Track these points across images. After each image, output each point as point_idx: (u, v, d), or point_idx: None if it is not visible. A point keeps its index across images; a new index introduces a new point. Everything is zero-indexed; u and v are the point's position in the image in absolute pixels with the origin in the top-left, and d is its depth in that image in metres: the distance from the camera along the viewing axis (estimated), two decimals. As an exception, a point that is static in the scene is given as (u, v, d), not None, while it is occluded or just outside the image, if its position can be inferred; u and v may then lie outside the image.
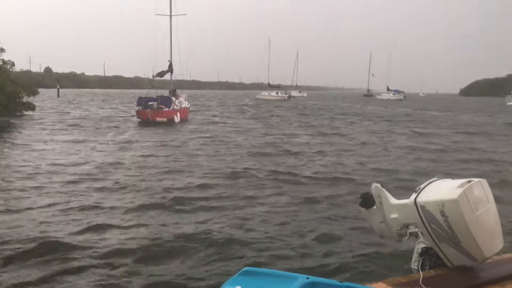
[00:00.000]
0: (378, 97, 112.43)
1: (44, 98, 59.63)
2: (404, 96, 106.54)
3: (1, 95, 27.77)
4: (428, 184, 2.75)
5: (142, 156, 15.97)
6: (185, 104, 35.35)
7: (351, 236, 7.69)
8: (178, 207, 9.20)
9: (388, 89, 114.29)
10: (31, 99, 35.03)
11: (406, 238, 2.86)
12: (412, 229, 2.80)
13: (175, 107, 31.82)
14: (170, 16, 36.99)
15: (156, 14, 37.56)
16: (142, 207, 9.15)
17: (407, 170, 13.57)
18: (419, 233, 2.76)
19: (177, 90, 35.93)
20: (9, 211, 8.66)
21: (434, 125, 32.95)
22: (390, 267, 6.04)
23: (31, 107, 34.17)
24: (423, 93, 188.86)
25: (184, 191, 10.63)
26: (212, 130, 25.82)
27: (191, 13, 39.11)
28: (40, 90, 40.94)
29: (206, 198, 9.98)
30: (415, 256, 2.79)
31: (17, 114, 31.81)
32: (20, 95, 32.53)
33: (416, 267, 2.73)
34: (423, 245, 2.75)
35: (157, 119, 29.67)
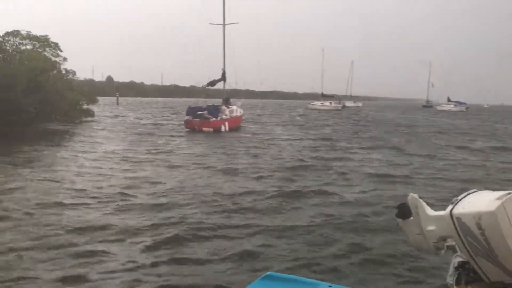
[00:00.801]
0: (438, 108, 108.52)
1: (104, 105, 62.52)
2: (466, 108, 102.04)
3: (62, 102, 29.17)
4: (465, 196, 2.56)
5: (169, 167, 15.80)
6: (238, 113, 35.40)
7: (384, 248, 7.45)
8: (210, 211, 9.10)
9: (448, 100, 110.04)
10: (90, 106, 36.59)
11: (443, 251, 2.67)
12: (450, 242, 2.62)
13: (224, 116, 32.03)
14: (224, 25, 37.68)
15: (210, 24, 38.42)
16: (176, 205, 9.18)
17: None
18: (456, 247, 2.57)
19: (232, 98, 36.45)
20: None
21: None
22: (425, 281, 5.93)
23: (91, 114, 35.77)
24: (487, 105, 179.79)
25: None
26: (254, 141, 25.18)
27: (244, 22, 39.64)
28: (101, 98, 43.12)
29: (239, 206, 9.85)
30: (451, 270, 2.62)
31: (77, 121, 33.39)
32: (80, 103, 34.06)
33: (451, 282, 2.57)
34: (460, 259, 2.59)
35: (204, 129, 30.07)
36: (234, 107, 35.25)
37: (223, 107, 33.86)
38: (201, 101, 35.11)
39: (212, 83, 37.14)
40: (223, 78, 37.16)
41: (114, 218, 8.89)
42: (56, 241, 7.40)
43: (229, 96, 37.02)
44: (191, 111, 32.32)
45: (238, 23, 38.78)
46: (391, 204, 10.17)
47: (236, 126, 33.44)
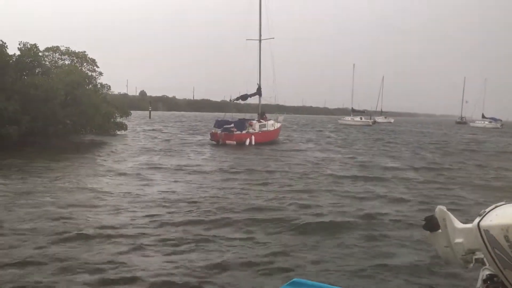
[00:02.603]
0: (472, 124, 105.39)
1: (138, 119, 63.90)
2: (502, 124, 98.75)
3: (97, 116, 30.07)
4: (494, 208, 2.46)
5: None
6: (272, 127, 35.39)
7: (411, 259, 7.52)
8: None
9: (483, 117, 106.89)
10: (123, 119, 37.41)
11: (471, 264, 2.61)
12: (478, 255, 2.58)
13: (250, 130, 32.25)
14: (260, 40, 38.25)
15: (247, 39, 39.13)
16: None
17: None
18: (485, 259, 2.52)
19: (275, 114, 36.68)
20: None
21: None
22: None
23: (124, 127, 36.54)
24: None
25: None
26: (274, 156, 24.54)
27: (276, 37, 40.03)
28: (134, 111, 43.94)
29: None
30: (479, 283, 2.56)
31: (111, 133, 34.26)
32: (114, 116, 34.96)
33: None
34: (488, 272, 2.53)
35: (227, 141, 30.28)
36: (269, 122, 35.36)
37: (254, 121, 34.11)
38: (228, 115, 35.24)
39: (244, 97, 37.39)
40: (259, 92, 37.52)
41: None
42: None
43: (264, 111, 37.28)
44: (219, 124, 32.83)
45: (273, 38, 39.19)
46: None
47: (269, 140, 33.26)
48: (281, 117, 39.84)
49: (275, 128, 36.14)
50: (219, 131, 31.64)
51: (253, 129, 32.69)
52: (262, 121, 34.94)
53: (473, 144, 39.99)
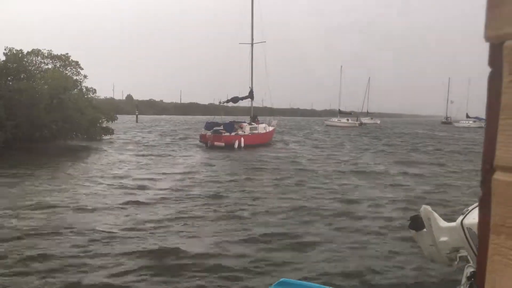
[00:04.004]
0: (456, 124, 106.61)
1: (124, 123, 63.34)
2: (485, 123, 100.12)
3: (83, 120, 29.75)
4: (476, 206, 2.54)
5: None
6: (264, 130, 35.39)
7: (397, 257, 7.65)
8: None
9: (467, 116, 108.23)
10: (110, 124, 37.04)
11: (456, 262, 2.80)
12: (462, 253, 2.72)
13: (240, 132, 32.33)
14: (252, 44, 38.35)
15: (239, 43, 39.50)
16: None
17: None
18: (468, 257, 2.67)
19: (269, 117, 36.86)
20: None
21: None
22: None
23: (110, 131, 36.19)
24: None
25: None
26: (256, 161, 23.67)
27: (265, 39, 40.31)
28: (120, 116, 43.51)
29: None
30: (463, 280, 2.67)
31: (97, 138, 33.91)
32: (100, 120, 34.63)
33: None
34: (472, 269, 2.62)
35: (215, 143, 30.28)
36: (261, 125, 35.41)
37: (245, 123, 34.16)
38: (218, 118, 35.31)
39: (235, 99, 37.42)
40: (251, 95, 37.65)
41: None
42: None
43: (256, 114, 37.36)
44: (209, 126, 32.91)
45: (265, 42, 39.39)
46: None
47: (260, 143, 33.17)
48: (274, 121, 39.98)
49: (267, 131, 36.14)
50: (208, 133, 31.67)
51: (243, 131, 32.75)
52: (253, 123, 34.93)
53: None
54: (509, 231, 0.60)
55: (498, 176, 0.61)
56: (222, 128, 32.09)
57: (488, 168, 0.63)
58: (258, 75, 49.56)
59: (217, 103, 40.41)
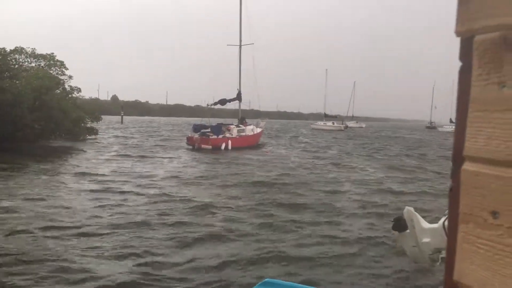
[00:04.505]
0: (440, 129, 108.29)
1: (109, 124, 62.82)
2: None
3: (66, 120, 29.42)
4: None
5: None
6: (252, 132, 35.39)
7: (379, 257, 7.75)
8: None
9: (451, 121, 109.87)
10: (94, 124, 36.69)
11: (438, 263, 2.83)
12: (444, 253, 2.64)
13: (227, 135, 32.29)
14: (240, 46, 38.45)
15: (227, 45, 39.58)
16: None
17: None
18: None
19: (257, 119, 36.93)
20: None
21: None
22: None
23: (94, 132, 35.89)
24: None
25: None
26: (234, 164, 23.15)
27: (252, 42, 40.69)
28: (106, 116, 43.13)
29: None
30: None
31: (81, 138, 33.57)
32: (84, 121, 34.28)
33: None
34: None
35: (203, 146, 30.22)
36: (249, 127, 35.40)
37: (232, 125, 34.14)
38: (206, 120, 35.33)
39: (223, 101, 37.33)
40: (239, 97, 37.65)
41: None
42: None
43: (244, 116, 37.40)
44: (196, 128, 32.82)
45: (253, 43, 39.59)
46: None
47: (248, 145, 33.01)
48: (262, 123, 40.09)
49: (255, 133, 36.12)
50: (196, 135, 31.61)
51: (230, 134, 32.71)
52: (241, 126, 34.94)
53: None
54: (477, 219, 0.62)
55: (466, 166, 0.64)
56: (209, 130, 32.07)
57: (458, 160, 0.65)
58: (245, 77, 49.77)
59: (204, 105, 40.50)
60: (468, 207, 0.63)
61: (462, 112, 0.65)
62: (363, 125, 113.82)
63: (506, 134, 0.58)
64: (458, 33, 0.64)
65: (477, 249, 0.61)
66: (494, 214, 0.59)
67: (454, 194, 0.66)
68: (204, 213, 11.04)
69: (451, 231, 0.66)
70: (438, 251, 2.81)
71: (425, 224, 2.94)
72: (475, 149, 0.62)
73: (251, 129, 35.56)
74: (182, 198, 12.85)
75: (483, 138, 0.61)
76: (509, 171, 0.58)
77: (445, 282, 0.68)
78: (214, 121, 35.34)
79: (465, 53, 0.65)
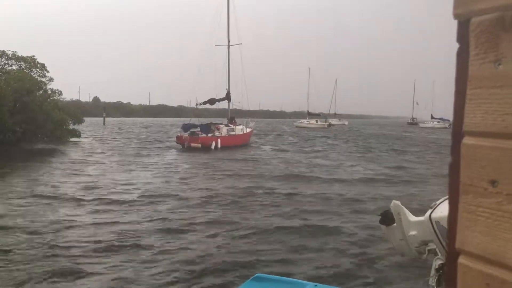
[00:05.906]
0: (421, 125, 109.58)
1: (91, 126, 62.05)
2: (450, 124, 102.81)
3: (48, 122, 29.02)
4: (444, 200, 2.66)
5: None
6: (241, 131, 35.66)
7: (368, 250, 7.88)
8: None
9: (432, 117, 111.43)
10: (77, 126, 36.24)
11: (424, 255, 2.86)
12: (431, 246, 2.78)
13: (216, 134, 32.51)
14: (228, 46, 38.47)
15: (216, 45, 39.87)
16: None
17: None
18: (437, 250, 2.74)
19: (246, 119, 37.61)
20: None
21: None
22: (407, 283, 6.19)
23: (77, 134, 35.42)
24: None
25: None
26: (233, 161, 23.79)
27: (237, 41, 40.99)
28: (88, 118, 42.61)
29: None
30: (432, 272, 2.74)
31: (63, 140, 33.10)
32: (67, 123, 33.85)
33: (433, 284, 2.67)
34: (440, 262, 2.70)
35: (192, 144, 30.38)
36: (239, 127, 35.69)
37: (221, 125, 34.36)
38: (194, 119, 35.37)
39: (212, 101, 37.49)
40: (228, 97, 37.87)
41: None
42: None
43: (233, 116, 37.74)
44: (186, 127, 33.04)
45: (241, 43, 39.72)
46: None
47: (237, 144, 33.26)
48: (252, 123, 40.40)
49: (245, 132, 36.35)
50: (185, 134, 31.79)
51: (219, 133, 32.93)
52: (230, 125, 35.11)
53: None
54: (476, 190, 0.67)
55: (466, 140, 0.68)
56: (198, 129, 32.32)
57: (458, 135, 0.69)
58: (232, 77, 49.90)
59: (187, 105, 40.62)
60: (469, 178, 0.67)
61: (461, 91, 0.70)
62: (346, 123, 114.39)
63: (503, 108, 0.64)
64: (456, 15, 0.69)
65: (477, 217, 0.66)
66: (493, 183, 0.65)
67: (454, 168, 0.70)
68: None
69: (452, 203, 0.71)
70: (425, 243, 2.85)
71: (412, 217, 2.97)
72: (474, 124, 0.67)
73: (240, 129, 35.86)
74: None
75: (481, 113, 0.66)
76: (506, 142, 0.63)
77: (448, 252, 0.72)
78: (203, 121, 35.57)
79: (462, 35, 0.69)
